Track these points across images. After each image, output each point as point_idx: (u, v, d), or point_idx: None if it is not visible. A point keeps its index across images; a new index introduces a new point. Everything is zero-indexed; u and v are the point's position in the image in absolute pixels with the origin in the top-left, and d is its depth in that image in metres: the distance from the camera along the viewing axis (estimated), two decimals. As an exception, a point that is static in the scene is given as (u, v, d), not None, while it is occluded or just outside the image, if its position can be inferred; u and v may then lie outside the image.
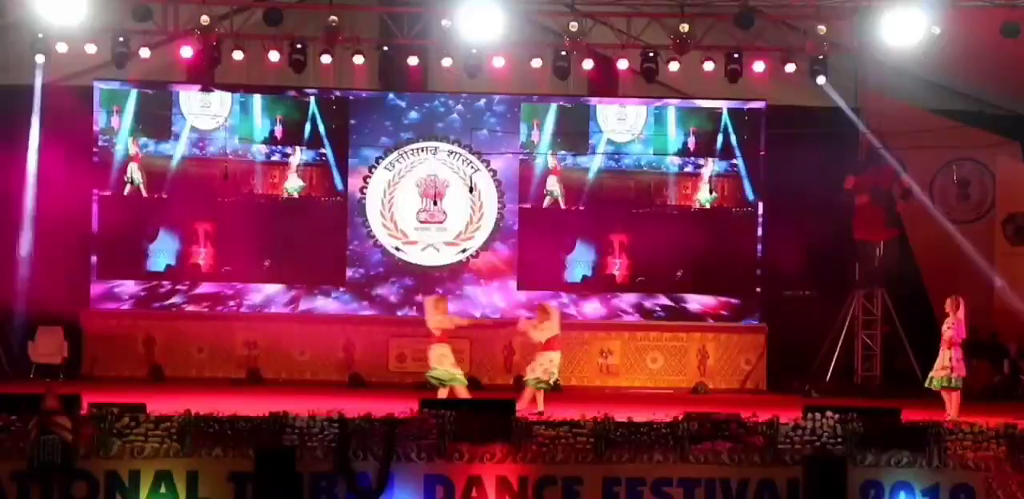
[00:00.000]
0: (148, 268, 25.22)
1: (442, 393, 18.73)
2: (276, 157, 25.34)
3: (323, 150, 25.47)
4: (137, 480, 15.48)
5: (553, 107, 25.49)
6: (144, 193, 25.11)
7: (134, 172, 25.06)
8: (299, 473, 15.46)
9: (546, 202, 25.60)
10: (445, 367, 18.84)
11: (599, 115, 25.66)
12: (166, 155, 25.20)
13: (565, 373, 24.49)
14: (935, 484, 16.03)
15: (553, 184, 25.60)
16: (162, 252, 25.24)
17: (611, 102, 25.70)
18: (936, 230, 25.11)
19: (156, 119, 25.16)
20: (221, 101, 25.27)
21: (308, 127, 25.41)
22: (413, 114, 25.63)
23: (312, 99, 25.41)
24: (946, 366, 19.52)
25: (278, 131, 25.33)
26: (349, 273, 25.43)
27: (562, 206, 25.62)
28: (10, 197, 24.02)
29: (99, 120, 24.98)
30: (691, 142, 25.65)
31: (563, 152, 25.59)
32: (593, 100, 25.66)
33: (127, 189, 25.04)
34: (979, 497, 15.95)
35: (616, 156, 25.61)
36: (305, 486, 15.59)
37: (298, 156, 25.39)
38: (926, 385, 19.77)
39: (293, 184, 25.39)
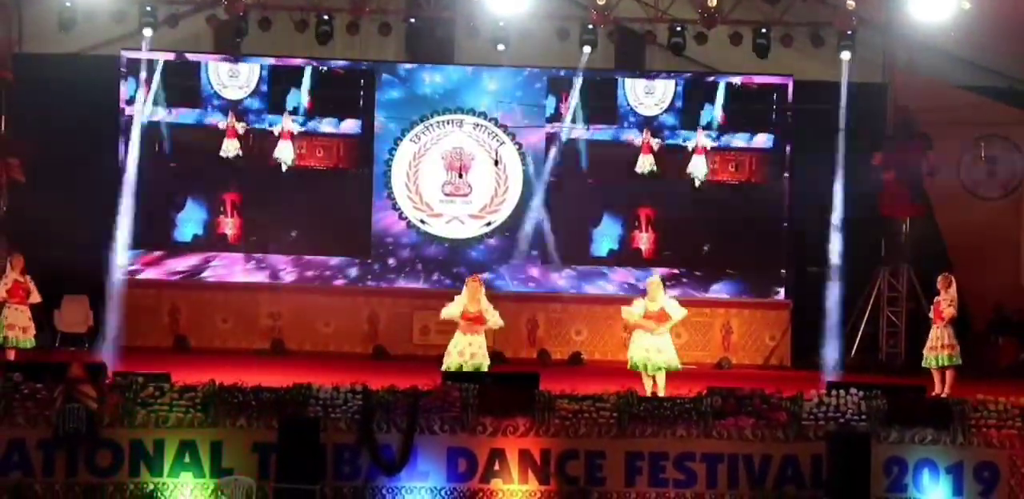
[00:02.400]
0: (175, 238, 25.27)
1: None
2: (302, 128, 25.30)
3: (349, 122, 25.44)
4: (161, 449, 15.53)
5: (579, 80, 25.36)
6: (172, 163, 25.12)
7: (162, 142, 25.08)
8: (322, 444, 15.51)
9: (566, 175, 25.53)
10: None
11: (627, 88, 25.56)
12: (193, 125, 25.20)
13: (589, 347, 24.66)
14: (959, 461, 16.00)
15: (581, 157, 25.52)
16: (189, 222, 25.27)
17: (637, 76, 25.58)
18: (963, 207, 25.00)
19: (183, 89, 25.15)
20: (250, 71, 25.26)
21: (334, 99, 25.37)
22: (439, 86, 25.58)
23: (339, 70, 25.35)
24: (948, 343, 19.56)
25: (305, 102, 25.29)
26: (374, 245, 25.44)
27: (589, 180, 25.57)
28: (38, 166, 24.03)
29: (126, 90, 24.96)
30: (718, 117, 25.54)
31: (590, 125, 25.50)
32: (619, 74, 25.56)
33: (155, 159, 25.01)
34: (1003, 475, 15.92)
35: (644, 130, 25.49)
36: (328, 457, 15.62)
37: (324, 128, 25.36)
38: (927, 364, 19.75)
39: (319, 155, 25.37)
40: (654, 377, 18.32)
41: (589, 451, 15.90)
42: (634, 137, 25.52)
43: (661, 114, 25.52)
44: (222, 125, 25.16)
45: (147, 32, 23.46)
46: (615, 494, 15.88)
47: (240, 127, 25.15)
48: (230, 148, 25.11)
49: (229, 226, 25.24)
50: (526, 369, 19.31)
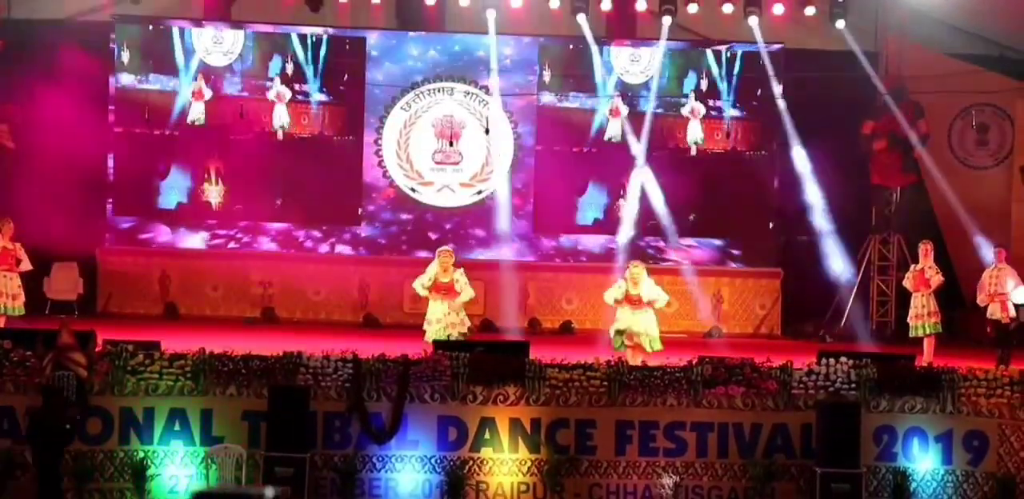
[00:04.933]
0: (160, 205, 25.18)
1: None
2: (290, 96, 25.19)
3: (339, 89, 25.35)
4: (151, 417, 15.56)
5: (570, 48, 25.24)
6: (158, 130, 25.02)
7: (146, 109, 24.96)
8: (312, 412, 15.52)
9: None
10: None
11: (612, 55, 25.46)
12: (178, 92, 25.07)
13: (580, 316, 24.63)
14: (948, 430, 16.05)
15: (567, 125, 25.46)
16: (173, 189, 25.18)
17: (628, 44, 25.49)
18: (954, 176, 24.99)
19: (167, 55, 25.02)
20: (234, 38, 25.12)
21: (323, 66, 25.27)
22: (430, 54, 25.50)
23: (328, 38, 25.24)
24: (933, 311, 19.61)
25: (292, 69, 25.17)
26: (364, 213, 25.38)
27: (574, 148, 25.48)
28: (28, 133, 23.93)
29: (115, 57, 24.84)
30: (705, 84, 25.46)
31: (575, 93, 25.40)
32: (612, 42, 25.45)
33: (139, 125, 24.91)
34: (992, 444, 15.98)
35: (630, 98, 25.41)
36: (318, 425, 15.65)
37: (314, 95, 25.28)
38: (916, 333, 19.75)
39: (307, 123, 25.28)
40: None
41: (579, 420, 15.93)
42: (618, 106, 25.40)
43: (647, 81, 25.40)
44: (208, 94, 25.02)
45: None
46: (605, 463, 15.92)
47: (225, 94, 24.98)
48: (217, 115, 24.97)
49: (214, 194, 25.14)
50: (516, 338, 19.32)
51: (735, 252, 25.68)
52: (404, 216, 25.44)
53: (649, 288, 18.49)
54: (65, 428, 14.65)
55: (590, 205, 25.59)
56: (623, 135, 25.31)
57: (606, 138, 25.44)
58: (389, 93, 25.39)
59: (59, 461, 14.66)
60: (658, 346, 18.24)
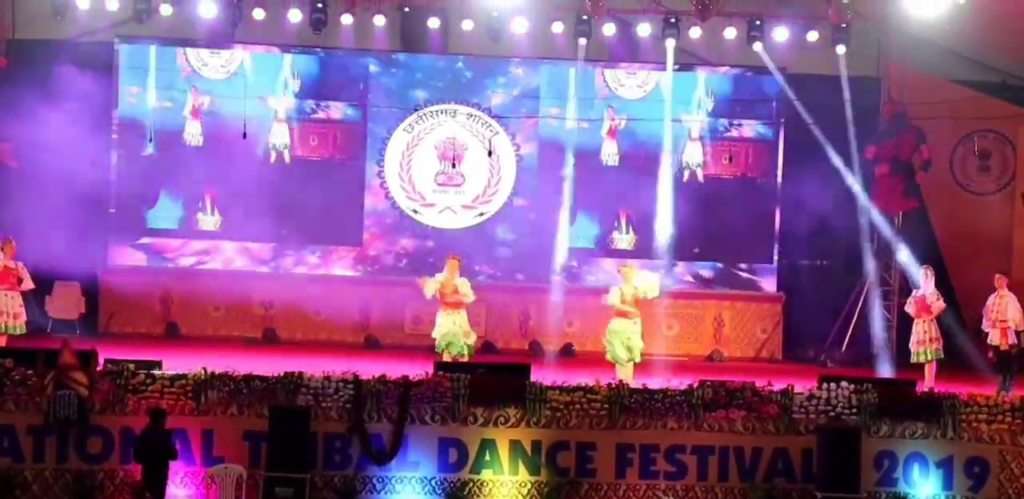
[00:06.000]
0: (162, 225, 25.15)
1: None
2: (294, 117, 25.23)
3: (342, 111, 25.39)
4: (152, 437, 15.52)
5: (573, 71, 25.28)
6: (160, 150, 25.00)
7: (148, 127, 24.98)
8: (313, 433, 15.54)
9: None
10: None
11: (611, 79, 25.49)
12: (181, 112, 25.11)
13: (581, 339, 24.62)
14: (949, 456, 16.07)
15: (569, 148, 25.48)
16: (175, 209, 25.13)
17: (631, 67, 25.53)
18: (955, 201, 25.01)
19: (170, 76, 25.02)
20: (233, 55, 25.15)
21: (326, 87, 25.32)
22: (433, 76, 25.52)
23: (331, 59, 25.28)
24: (935, 337, 19.63)
25: (295, 90, 25.20)
26: (366, 235, 25.40)
27: (579, 170, 25.47)
28: (30, 152, 23.96)
29: (118, 77, 24.89)
30: (706, 108, 25.47)
31: (581, 118, 25.43)
32: (618, 65, 25.48)
33: (148, 146, 24.95)
34: (993, 470, 15.98)
35: (630, 122, 25.42)
36: (319, 446, 15.68)
37: (317, 116, 25.31)
38: (918, 359, 19.75)
39: (315, 143, 25.31)
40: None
41: (580, 442, 15.96)
42: (620, 132, 25.45)
43: (644, 97, 25.40)
44: (212, 113, 25.02)
45: (140, 19, 23.50)
46: (605, 485, 15.95)
47: (228, 115, 24.97)
48: (220, 136, 25.00)
49: (217, 213, 25.12)
50: (517, 360, 19.37)
51: (737, 276, 25.65)
52: (406, 238, 25.44)
53: (641, 279, 19.30)
54: (171, 446, 14.85)
55: (591, 226, 25.57)
56: (620, 157, 25.35)
57: (603, 159, 25.45)
58: (392, 115, 25.42)
59: (165, 479, 14.95)
60: (639, 358, 19.07)
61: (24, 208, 23.12)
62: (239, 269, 25.18)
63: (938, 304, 19.69)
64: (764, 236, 25.49)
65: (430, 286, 19.43)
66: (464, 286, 19.46)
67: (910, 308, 20.09)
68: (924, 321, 19.75)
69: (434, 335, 19.44)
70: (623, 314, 19.18)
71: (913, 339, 19.91)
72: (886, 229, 24.92)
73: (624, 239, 25.45)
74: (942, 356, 19.79)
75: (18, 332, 19.36)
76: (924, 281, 19.92)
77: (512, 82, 25.52)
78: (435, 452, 15.85)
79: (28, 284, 19.54)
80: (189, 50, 25.07)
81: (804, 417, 16.10)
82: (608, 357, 19.16)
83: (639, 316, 19.28)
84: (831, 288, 24.93)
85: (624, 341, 18.93)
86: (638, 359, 19.13)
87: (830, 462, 15.52)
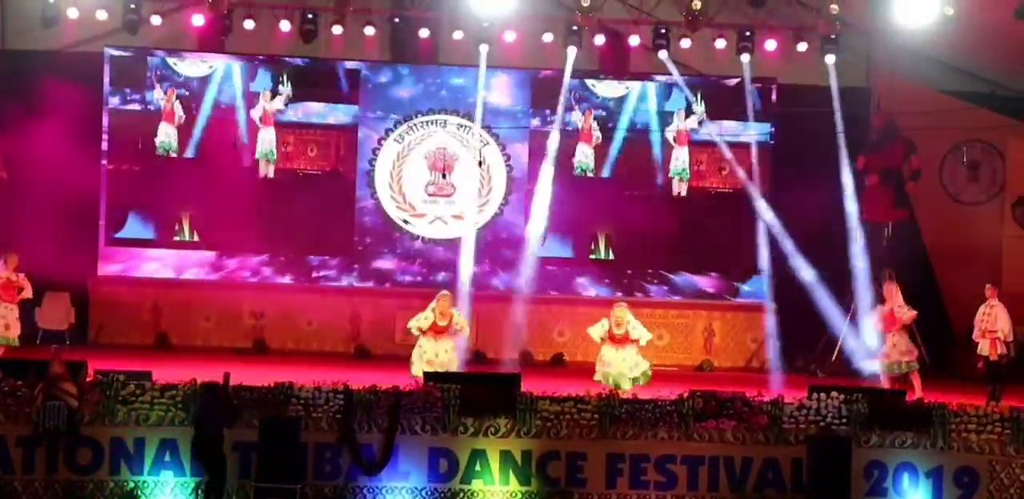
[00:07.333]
0: (151, 236, 25.14)
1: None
2: (284, 127, 25.24)
3: (332, 121, 25.41)
4: (142, 448, 15.57)
5: (564, 81, 25.27)
6: (150, 160, 25.02)
7: (143, 140, 24.99)
8: (303, 443, 15.52)
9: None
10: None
11: (600, 90, 25.58)
12: (172, 124, 25.08)
13: (572, 349, 24.61)
14: (939, 466, 16.07)
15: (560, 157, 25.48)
16: (169, 220, 25.16)
17: (621, 78, 25.56)
18: (945, 212, 25.05)
19: (159, 86, 25.04)
20: (221, 65, 25.14)
21: (316, 98, 25.33)
22: (423, 86, 25.55)
23: (321, 70, 25.29)
24: (907, 350, 19.57)
25: (284, 101, 25.19)
26: (356, 245, 25.39)
27: (573, 181, 25.49)
28: (20, 163, 23.94)
29: (108, 87, 24.89)
30: (696, 118, 25.49)
31: (569, 128, 25.42)
32: (604, 76, 25.53)
33: (135, 156, 24.94)
34: (983, 480, 15.98)
35: (618, 133, 25.43)
36: (309, 456, 15.65)
37: (307, 127, 25.31)
38: (890, 371, 19.67)
39: (314, 154, 25.31)
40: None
41: (570, 452, 15.95)
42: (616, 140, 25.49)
43: (627, 94, 25.47)
44: (204, 124, 25.05)
45: (131, 29, 23.53)
46: (596, 496, 15.95)
47: (192, 117, 24.96)
48: (212, 146, 25.00)
49: (207, 223, 25.11)
50: (508, 370, 19.34)
51: (727, 286, 25.66)
52: (396, 248, 25.44)
53: (634, 329, 18.87)
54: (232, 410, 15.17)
55: (579, 236, 25.59)
56: (607, 165, 25.39)
57: (591, 170, 25.47)
58: (382, 125, 25.44)
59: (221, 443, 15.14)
60: (628, 386, 18.53)
61: (14, 218, 23.11)
62: (229, 279, 25.17)
63: (909, 314, 19.59)
64: (754, 246, 25.48)
65: (414, 330, 18.80)
66: (460, 322, 18.98)
67: (877, 325, 20.06)
68: (892, 334, 19.67)
69: (413, 358, 18.86)
70: (617, 341, 18.87)
71: (883, 352, 19.81)
72: (876, 239, 24.96)
73: (610, 250, 25.48)
74: (917, 367, 19.69)
75: (11, 344, 19.32)
76: (887, 297, 19.85)
77: (502, 92, 25.54)
78: (425, 462, 15.84)
79: (28, 293, 19.56)
80: (179, 61, 25.08)
81: (794, 427, 16.10)
82: (595, 379, 18.89)
83: (632, 342, 18.89)
84: (821, 298, 24.90)
85: (616, 377, 18.60)
86: (643, 382, 18.77)
87: (820, 472, 15.52)
